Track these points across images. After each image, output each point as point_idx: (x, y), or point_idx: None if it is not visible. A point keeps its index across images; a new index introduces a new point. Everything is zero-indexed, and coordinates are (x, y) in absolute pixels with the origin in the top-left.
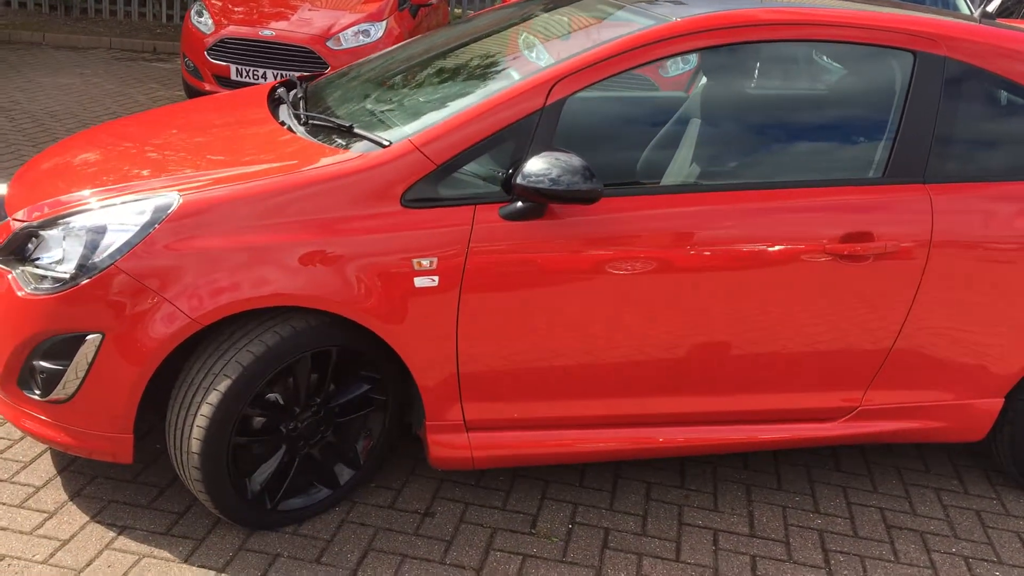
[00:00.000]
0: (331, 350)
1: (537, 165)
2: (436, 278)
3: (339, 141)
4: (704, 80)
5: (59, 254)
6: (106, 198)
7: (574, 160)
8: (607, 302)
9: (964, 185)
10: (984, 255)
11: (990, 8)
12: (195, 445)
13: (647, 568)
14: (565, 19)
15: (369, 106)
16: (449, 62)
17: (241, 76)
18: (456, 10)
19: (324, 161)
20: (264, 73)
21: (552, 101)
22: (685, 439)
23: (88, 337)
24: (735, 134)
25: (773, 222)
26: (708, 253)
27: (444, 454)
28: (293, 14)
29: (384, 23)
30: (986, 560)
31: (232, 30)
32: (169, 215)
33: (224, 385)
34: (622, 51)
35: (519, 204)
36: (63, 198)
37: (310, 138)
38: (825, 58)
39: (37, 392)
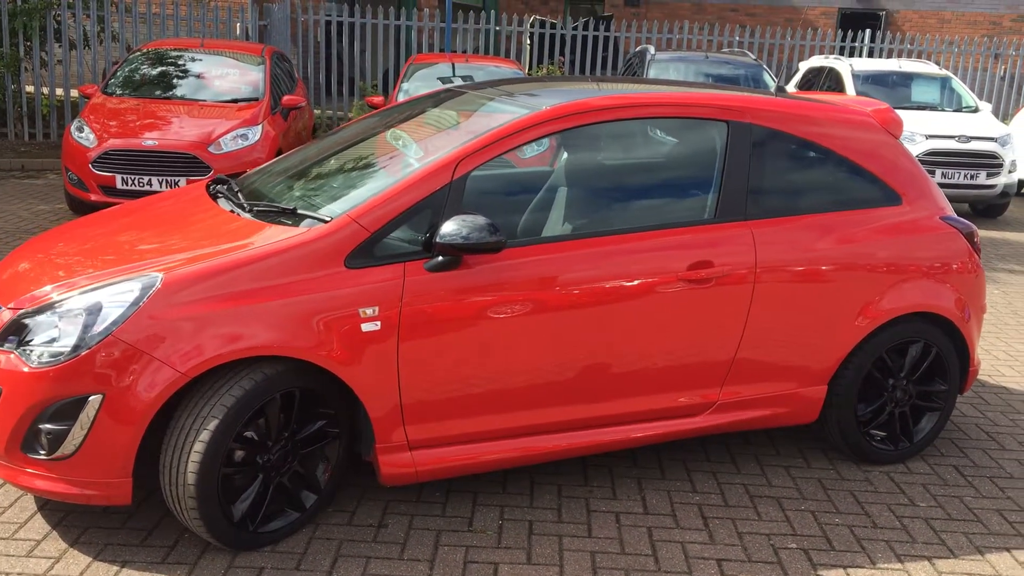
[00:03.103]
0: (295, 391)
1: (451, 226)
2: (379, 323)
3: (286, 221)
4: (566, 155)
5: (55, 333)
6: (96, 281)
7: (479, 219)
8: (514, 334)
9: (776, 219)
10: (797, 272)
11: (788, 87)
12: (191, 478)
13: (567, 544)
14: (453, 112)
15: (298, 193)
16: (361, 152)
17: (127, 184)
18: (316, 110)
19: (279, 236)
20: (149, 180)
21: (457, 176)
22: (585, 441)
23: (90, 398)
24: (601, 195)
25: (638, 259)
26: (591, 288)
27: (393, 471)
28: (170, 124)
29: (260, 127)
30: (828, 512)
31: (115, 142)
32: (155, 290)
33: (213, 425)
34: (506, 135)
35: (440, 259)
36: (47, 288)
37: (260, 220)
38: (658, 131)
39: (42, 452)
